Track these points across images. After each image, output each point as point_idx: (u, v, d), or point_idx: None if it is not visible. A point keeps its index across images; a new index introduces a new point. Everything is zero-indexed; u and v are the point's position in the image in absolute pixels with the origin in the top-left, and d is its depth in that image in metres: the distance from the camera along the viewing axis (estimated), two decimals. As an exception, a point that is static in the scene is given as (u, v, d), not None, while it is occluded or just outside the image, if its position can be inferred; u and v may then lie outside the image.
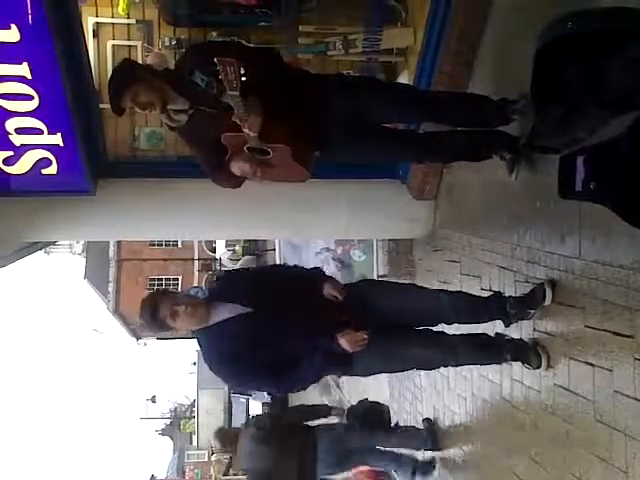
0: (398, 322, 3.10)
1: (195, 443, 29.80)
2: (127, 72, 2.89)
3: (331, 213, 4.92)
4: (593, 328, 2.66)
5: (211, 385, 26.37)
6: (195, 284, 23.41)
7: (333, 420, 5.65)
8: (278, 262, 8.89)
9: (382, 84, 3.74)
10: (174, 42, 4.76)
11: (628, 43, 1.94)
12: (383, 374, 5.77)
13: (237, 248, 18.29)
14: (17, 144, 4.00)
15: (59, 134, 4.01)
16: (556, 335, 3.01)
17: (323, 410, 5.57)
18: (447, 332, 3.22)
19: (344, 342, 2.82)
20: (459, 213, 4.50)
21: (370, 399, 5.59)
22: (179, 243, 26.09)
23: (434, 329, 3.20)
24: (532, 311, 3.11)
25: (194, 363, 30.04)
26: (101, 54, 4.75)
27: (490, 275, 3.82)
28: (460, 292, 3.45)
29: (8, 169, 4.10)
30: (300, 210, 4.80)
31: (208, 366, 3.02)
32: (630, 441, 2.41)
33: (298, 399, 7.99)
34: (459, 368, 4.06)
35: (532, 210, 3.19)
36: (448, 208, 4.71)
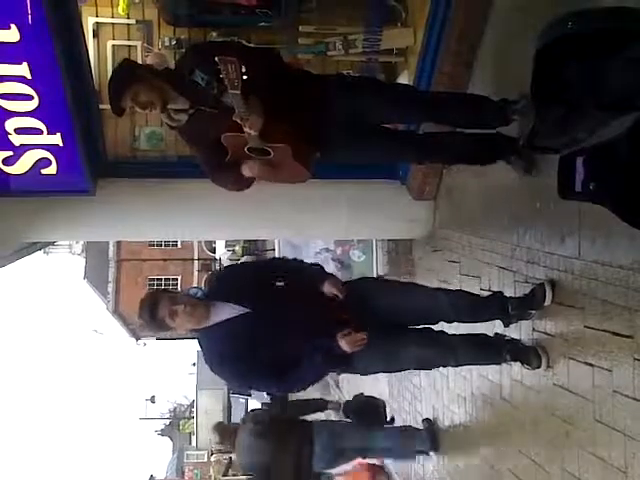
0: (398, 320, 3.10)
1: (194, 443, 29.78)
2: (127, 72, 2.89)
3: (331, 213, 4.92)
4: (592, 328, 2.66)
5: (210, 385, 26.36)
6: (195, 284, 23.40)
7: (330, 415, 5.67)
8: (277, 255, 8.86)
9: (382, 84, 3.74)
10: (174, 42, 4.75)
11: (628, 43, 1.94)
12: (382, 374, 5.80)
13: (237, 248, 18.28)
14: (17, 144, 4.00)
15: (59, 134, 4.00)
16: (555, 335, 3.01)
17: (320, 404, 5.58)
18: (447, 332, 3.22)
19: (344, 343, 2.82)
20: (459, 213, 4.50)
21: (366, 394, 5.61)
22: (179, 243, 26.09)
23: (434, 328, 3.20)
24: (532, 311, 3.11)
25: (193, 364, 30.03)
26: (101, 54, 4.75)
27: (490, 275, 3.82)
28: (460, 291, 3.45)
29: (8, 169, 4.10)
30: (300, 210, 4.80)
31: (209, 366, 3.02)
32: (629, 441, 2.41)
33: (297, 397, 8.00)
34: (458, 368, 4.06)
35: (532, 210, 3.19)
36: (448, 208, 4.71)
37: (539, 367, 3.05)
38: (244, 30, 4.86)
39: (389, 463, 5.66)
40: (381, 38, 4.76)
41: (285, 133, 2.81)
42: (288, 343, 2.92)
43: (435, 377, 4.95)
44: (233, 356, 2.91)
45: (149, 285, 25.68)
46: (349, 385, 8.30)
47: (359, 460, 5.37)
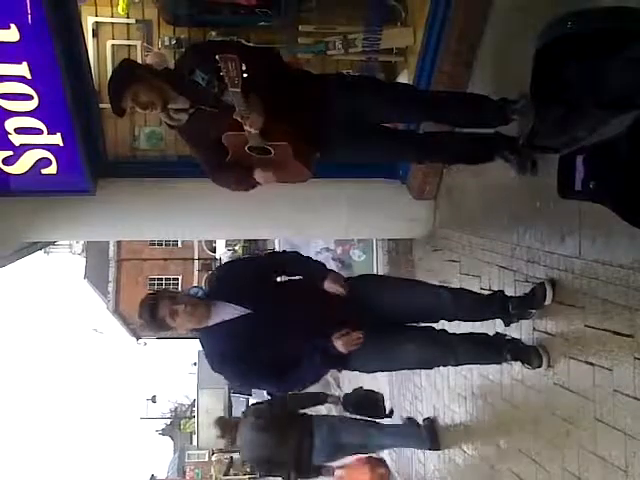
0: (399, 318, 3.10)
1: (195, 443, 29.78)
2: (127, 72, 2.89)
3: (331, 213, 4.92)
4: (593, 327, 2.66)
5: (211, 385, 26.33)
6: (195, 284, 23.40)
7: (331, 410, 5.70)
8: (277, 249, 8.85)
9: (382, 84, 3.73)
10: (174, 42, 4.75)
11: (628, 43, 1.94)
12: (383, 374, 5.81)
13: (237, 248, 18.30)
14: (17, 144, 4.00)
15: (59, 134, 4.00)
16: (556, 335, 3.01)
17: (320, 397, 5.60)
18: (447, 331, 3.22)
19: (339, 344, 2.82)
20: (459, 213, 4.50)
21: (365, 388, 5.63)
22: (179, 243, 26.10)
23: (435, 327, 3.20)
24: (533, 311, 3.11)
25: (194, 363, 30.02)
26: (101, 54, 4.75)
27: (490, 275, 3.82)
28: (462, 289, 3.45)
29: (8, 169, 4.10)
30: (300, 210, 4.80)
31: (210, 366, 3.04)
32: (630, 440, 2.41)
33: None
34: (459, 368, 4.07)
35: (532, 210, 3.19)
36: (448, 208, 4.71)
37: (540, 366, 3.05)
38: (244, 30, 4.86)
39: (389, 458, 5.68)
40: (381, 38, 4.75)
41: (285, 133, 2.81)
42: (288, 342, 2.92)
43: (436, 377, 4.95)
44: (234, 356, 2.92)
45: (149, 285, 25.71)
46: (350, 385, 8.30)
47: (358, 455, 5.40)
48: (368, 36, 4.75)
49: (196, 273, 25.68)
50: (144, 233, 5.97)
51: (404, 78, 4.73)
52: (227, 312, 2.93)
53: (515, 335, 3.26)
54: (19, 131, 3.93)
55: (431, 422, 5.09)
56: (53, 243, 13.72)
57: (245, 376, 3.06)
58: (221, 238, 16.80)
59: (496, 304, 3.15)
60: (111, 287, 26.02)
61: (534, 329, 3.20)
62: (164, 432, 36.62)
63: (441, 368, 3.92)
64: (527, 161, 3.15)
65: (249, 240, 16.56)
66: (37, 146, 4.04)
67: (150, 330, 3.00)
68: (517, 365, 3.27)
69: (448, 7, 3.88)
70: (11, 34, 3.51)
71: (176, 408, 37.73)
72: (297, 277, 3.19)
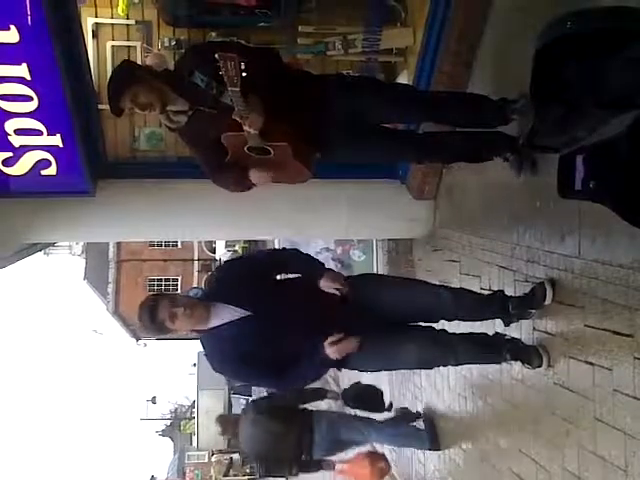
0: (399, 317, 3.10)
1: (195, 444, 29.79)
2: (126, 73, 2.89)
3: (331, 213, 4.92)
4: (593, 327, 2.66)
5: (211, 386, 26.38)
6: (195, 285, 23.42)
7: (331, 406, 5.72)
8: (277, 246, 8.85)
9: (382, 84, 3.73)
10: (173, 43, 4.75)
11: (628, 43, 1.94)
12: (383, 374, 5.81)
13: (237, 248, 18.31)
14: (16, 145, 3.99)
15: (58, 135, 4.00)
16: (556, 334, 3.01)
17: (320, 393, 5.62)
18: (447, 331, 3.22)
19: (331, 351, 2.83)
20: (459, 213, 4.50)
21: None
22: (179, 244, 26.10)
23: (435, 327, 3.20)
24: (533, 311, 3.11)
25: (194, 364, 30.04)
26: (100, 55, 4.74)
27: (490, 275, 3.83)
28: (462, 289, 3.45)
29: (7, 170, 4.10)
30: (300, 210, 4.80)
31: (211, 366, 3.06)
32: (630, 440, 2.41)
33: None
34: (459, 367, 4.07)
35: (532, 209, 3.19)
36: (448, 208, 4.71)
37: (540, 366, 3.05)
38: (243, 30, 4.86)
39: (390, 458, 5.69)
40: (381, 38, 4.75)
41: (285, 133, 2.81)
42: (288, 340, 2.93)
43: (436, 377, 4.95)
44: (234, 357, 2.93)
45: (149, 286, 25.71)
46: (349, 383, 8.29)
47: (359, 450, 5.43)
48: (368, 36, 4.75)
49: (196, 274, 25.70)
50: (144, 234, 5.97)
51: (404, 78, 4.73)
52: (227, 314, 2.93)
53: (515, 335, 3.26)
54: (19, 132, 3.93)
55: (431, 422, 5.09)
56: (53, 244, 13.73)
57: (245, 375, 3.09)
58: (221, 238, 16.82)
59: (496, 304, 3.15)
60: (111, 288, 26.01)
61: (534, 329, 3.20)
62: (164, 433, 36.64)
63: (441, 368, 3.92)
64: (526, 161, 3.15)
65: (249, 240, 16.56)
66: (37, 147, 4.04)
67: (150, 334, 3.00)
68: (517, 365, 3.27)
69: (448, 7, 3.88)
70: (11, 35, 3.51)
71: (176, 409, 37.76)
72: (296, 275, 3.19)
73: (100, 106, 4.40)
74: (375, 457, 5.35)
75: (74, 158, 4.16)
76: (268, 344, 2.91)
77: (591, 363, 2.67)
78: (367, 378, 5.48)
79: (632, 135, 1.84)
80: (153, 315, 2.83)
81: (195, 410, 30.48)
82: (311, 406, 5.31)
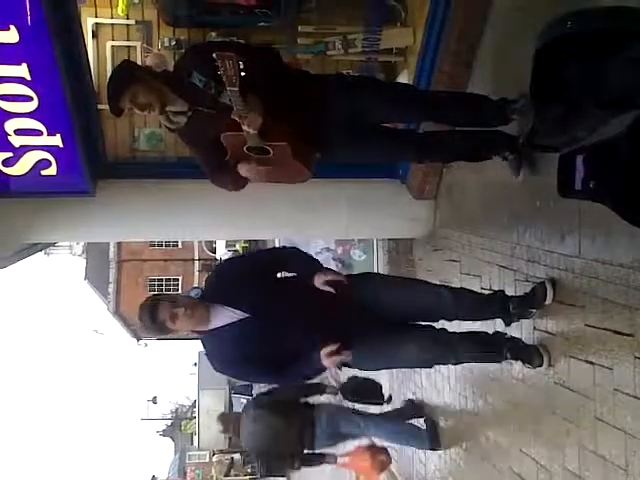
0: (400, 317, 3.10)
1: (196, 444, 29.79)
2: (126, 73, 2.89)
3: (331, 213, 4.92)
4: (593, 327, 2.66)
5: (212, 385, 26.37)
6: (195, 284, 23.41)
7: (331, 401, 5.75)
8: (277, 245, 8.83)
9: (382, 84, 3.74)
10: (173, 43, 4.75)
11: (628, 43, 1.94)
12: (384, 372, 5.81)
13: (237, 248, 18.31)
14: (16, 145, 4.00)
15: (58, 135, 4.00)
16: (556, 334, 3.01)
17: (319, 387, 5.65)
18: (447, 330, 3.22)
19: (327, 362, 2.83)
20: (459, 212, 4.50)
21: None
22: (179, 244, 26.10)
23: (435, 326, 3.20)
24: (533, 310, 3.11)
25: (195, 364, 30.04)
26: (100, 55, 4.74)
27: (490, 274, 3.83)
28: (463, 289, 3.45)
29: (7, 170, 4.10)
30: (300, 210, 4.80)
31: (212, 365, 3.08)
32: (630, 439, 2.41)
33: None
34: (459, 367, 4.07)
35: (532, 209, 3.19)
36: (448, 208, 4.71)
37: (540, 366, 3.05)
38: (243, 30, 4.86)
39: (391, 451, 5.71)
40: (381, 38, 4.75)
41: (284, 133, 2.81)
42: (288, 338, 2.93)
43: (436, 376, 4.95)
44: (235, 357, 2.95)
45: (150, 286, 25.72)
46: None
47: (359, 443, 5.46)
48: (368, 36, 4.75)
49: (196, 274, 25.69)
50: (144, 234, 5.97)
51: (404, 78, 4.73)
52: (226, 316, 2.93)
53: (515, 335, 3.26)
54: (19, 132, 3.93)
55: (432, 422, 5.09)
56: (53, 244, 13.72)
57: (247, 374, 3.16)
58: (221, 238, 16.81)
59: (496, 304, 3.15)
60: (111, 288, 26.03)
61: (534, 328, 3.20)
62: (165, 433, 36.66)
63: (442, 368, 3.93)
64: (525, 160, 3.16)
65: (249, 240, 16.55)
66: (37, 147, 4.04)
67: (150, 334, 3.01)
68: (517, 364, 3.27)
69: (448, 7, 3.88)
70: (11, 35, 3.51)
71: (177, 409, 37.77)
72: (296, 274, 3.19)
73: (100, 106, 4.40)
74: (376, 450, 5.38)
75: (74, 158, 4.16)
76: (268, 343, 2.92)
77: (592, 362, 2.67)
78: (366, 372, 5.51)
79: (632, 135, 1.84)
80: (154, 315, 2.84)
81: (196, 410, 30.48)
82: (311, 400, 5.35)
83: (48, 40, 3.57)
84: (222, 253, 19.50)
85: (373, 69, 4.93)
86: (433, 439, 4.97)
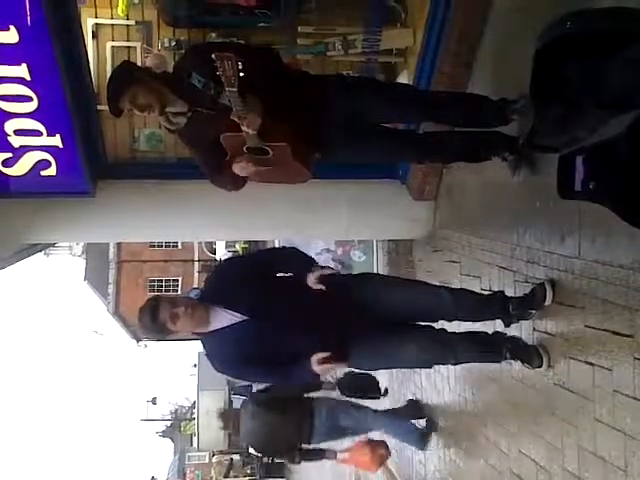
0: (399, 317, 3.10)
1: (196, 445, 29.77)
2: (126, 74, 2.88)
3: (331, 213, 4.92)
4: (593, 328, 2.66)
5: (211, 386, 26.34)
6: (195, 285, 23.41)
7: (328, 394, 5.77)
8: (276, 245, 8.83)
9: (382, 84, 3.74)
10: (173, 43, 4.75)
11: (628, 43, 1.94)
12: (383, 373, 5.81)
13: (237, 248, 18.29)
14: (16, 145, 4.00)
15: (58, 135, 4.00)
16: (556, 335, 3.01)
17: (317, 383, 5.67)
18: (447, 330, 3.22)
19: (318, 369, 2.84)
20: (459, 213, 4.50)
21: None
22: (179, 244, 26.08)
23: (434, 326, 3.20)
24: (533, 311, 3.11)
25: (195, 365, 30.02)
26: (100, 55, 4.75)
27: (490, 275, 3.82)
28: (463, 289, 3.45)
29: (7, 170, 4.10)
30: (300, 210, 4.80)
31: (212, 365, 3.08)
32: (629, 440, 2.41)
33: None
34: (459, 367, 4.06)
35: (532, 210, 3.19)
36: (448, 208, 4.71)
37: (540, 366, 3.04)
38: (243, 31, 4.86)
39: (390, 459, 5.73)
40: (380, 38, 4.76)
41: (284, 133, 2.81)
42: (288, 338, 2.94)
43: (436, 377, 4.95)
44: (235, 359, 2.96)
45: (150, 286, 25.72)
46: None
47: (358, 437, 5.49)
48: (368, 37, 4.75)
49: (196, 274, 25.69)
50: (144, 234, 5.97)
51: (404, 79, 4.73)
52: (226, 318, 2.93)
53: (515, 335, 3.26)
54: (18, 133, 3.93)
55: (432, 424, 5.10)
56: (53, 245, 13.71)
57: (247, 374, 3.18)
58: (221, 239, 16.79)
59: (496, 305, 3.14)
60: (111, 289, 26.02)
61: (534, 329, 3.20)
62: (164, 434, 36.64)
63: (441, 368, 3.92)
64: (524, 161, 3.15)
65: (249, 241, 16.54)
66: (36, 148, 4.04)
67: (151, 335, 2.99)
68: (517, 365, 3.27)
69: (448, 8, 3.88)
70: (10, 35, 3.51)
71: (176, 410, 37.76)
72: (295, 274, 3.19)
73: (100, 107, 4.40)
74: (375, 444, 5.40)
75: (74, 159, 4.17)
76: (268, 343, 2.92)
77: (591, 363, 2.67)
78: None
79: (632, 135, 1.84)
80: (154, 316, 2.83)
81: (195, 411, 30.45)
82: (310, 395, 5.37)
83: (48, 40, 3.57)
84: (222, 254, 19.48)
85: (373, 70, 4.93)
86: (421, 439, 5.03)
